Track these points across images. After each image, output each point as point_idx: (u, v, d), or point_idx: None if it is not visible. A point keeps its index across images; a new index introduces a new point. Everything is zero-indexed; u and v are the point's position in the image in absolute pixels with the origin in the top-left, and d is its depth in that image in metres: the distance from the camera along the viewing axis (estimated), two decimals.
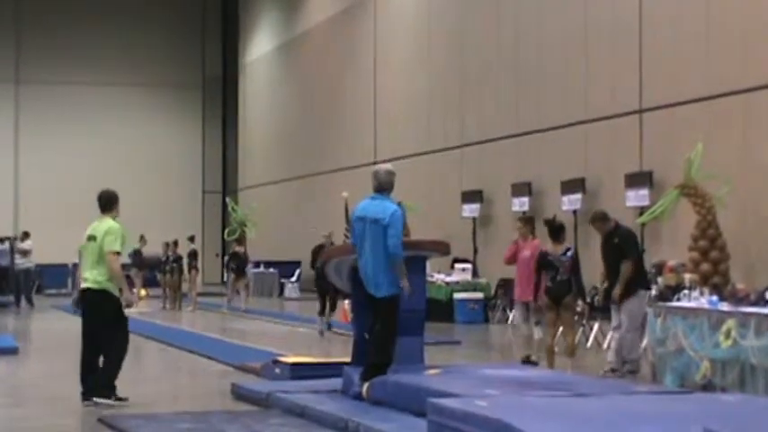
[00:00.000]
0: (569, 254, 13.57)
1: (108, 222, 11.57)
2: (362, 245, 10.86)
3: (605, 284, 14.17)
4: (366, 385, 10.65)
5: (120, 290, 11.50)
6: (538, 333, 14.34)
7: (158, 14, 46.70)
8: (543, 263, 13.57)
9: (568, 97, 24.11)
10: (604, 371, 13.73)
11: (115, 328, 11.50)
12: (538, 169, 25.13)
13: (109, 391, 11.38)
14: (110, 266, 11.40)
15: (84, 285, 11.59)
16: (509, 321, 21.87)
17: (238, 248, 29.42)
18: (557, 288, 13.45)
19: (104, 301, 11.45)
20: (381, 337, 10.82)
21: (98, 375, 11.44)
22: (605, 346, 17.43)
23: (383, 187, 10.96)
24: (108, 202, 11.72)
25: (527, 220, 15.38)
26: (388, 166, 11.33)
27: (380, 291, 10.76)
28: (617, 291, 13.66)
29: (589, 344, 17.46)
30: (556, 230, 13.76)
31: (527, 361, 14.35)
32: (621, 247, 13.87)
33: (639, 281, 13.93)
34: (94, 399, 11.32)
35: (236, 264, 28.45)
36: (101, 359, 11.55)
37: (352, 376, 11.00)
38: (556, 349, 14.07)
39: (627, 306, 13.75)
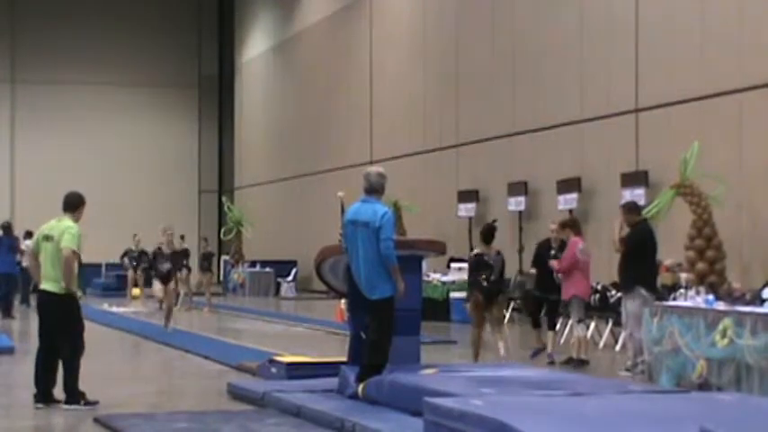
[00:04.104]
0: (501, 256, 14.48)
1: (65, 222, 11.43)
2: (355, 248, 10.85)
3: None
4: (362, 385, 10.66)
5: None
6: (582, 331, 15.01)
7: (154, 14, 46.66)
8: (480, 263, 14.28)
9: (564, 96, 24.11)
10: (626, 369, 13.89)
11: (74, 330, 11.36)
12: (534, 169, 25.14)
13: (77, 396, 11.29)
14: (65, 263, 11.19)
15: (42, 287, 11.44)
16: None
17: (210, 249, 30.44)
18: (491, 287, 14.21)
19: (64, 303, 11.32)
20: (376, 338, 10.82)
21: (64, 382, 11.33)
22: (601, 343, 17.48)
23: (374, 189, 10.93)
24: (74, 203, 11.59)
25: (562, 226, 15.81)
26: (378, 168, 11.32)
27: (374, 293, 10.76)
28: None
29: (602, 343, 17.48)
30: (488, 234, 14.58)
31: (576, 361, 14.76)
32: (632, 244, 13.97)
33: (641, 280, 13.92)
34: (63, 406, 11.24)
35: (208, 263, 29.33)
36: (59, 362, 11.41)
37: (349, 376, 11.00)
38: (501, 345, 14.40)
39: (627, 306, 13.81)
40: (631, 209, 14.54)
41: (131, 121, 46.06)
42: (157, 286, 23.42)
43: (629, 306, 13.78)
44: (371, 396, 10.48)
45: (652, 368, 12.35)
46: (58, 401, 11.38)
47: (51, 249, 11.34)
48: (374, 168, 11.23)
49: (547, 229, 18.02)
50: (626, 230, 14.33)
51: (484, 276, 14.21)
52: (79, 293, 11.64)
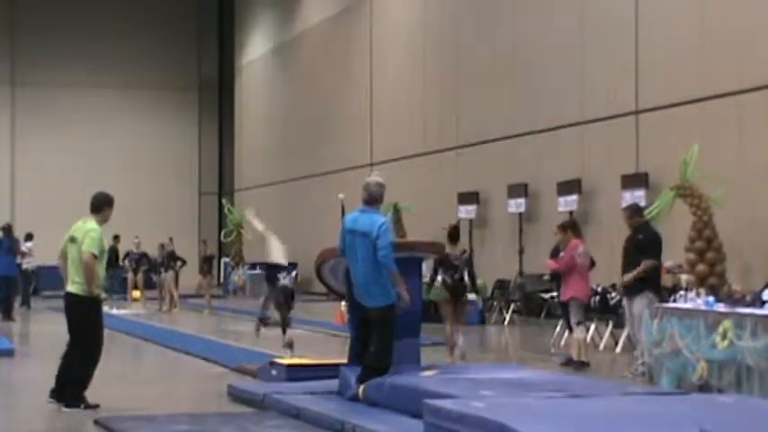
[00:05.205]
0: (465, 255, 15.51)
1: (89, 224, 11.45)
2: (354, 257, 10.93)
3: (623, 280, 14.45)
4: (362, 386, 10.66)
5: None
6: (581, 333, 15.03)
7: (154, 16, 46.68)
8: (445, 263, 14.99)
9: (564, 98, 24.12)
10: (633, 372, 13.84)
11: (91, 334, 11.43)
12: (534, 170, 25.14)
13: (77, 400, 11.32)
14: (85, 266, 11.24)
15: (67, 289, 11.52)
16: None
17: (210, 251, 31.15)
18: (456, 285, 15.05)
19: (84, 306, 11.38)
20: (379, 346, 10.84)
21: (69, 383, 11.40)
22: (601, 345, 17.47)
23: (374, 199, 11.02)
24: (96, 204, 11.60)
25: (563, 228, 15.80)
26: (377, 178, 11.40)
27: (375, 301, 10.82)
28: (627, 278, 13.79)
29: (602, 345, 17.48)
30: (454, 235, 15.40)
31: (576, 363, 14.80)
32: (644, 245, 13.93)
33: (651, 283, 13.93)
34: (64, 409, 11.27)
35: (209, 266, 29.53)
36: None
37: (349, 378, 10.99)
38: (459, 341, 15.28)
39: (635, 308, 13.78)
40: (635, 211, 14.57)
41: (131, 123, 46.07)
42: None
43: (637, 308, 13.73)
44: (372, 398, 10.48)
45: (652, 370, 12.35)
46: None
47: (75, 252, 11.38)
48: (373, 179, 11.32)
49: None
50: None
51: (450, 275, 15.01)
52: (104, 295, 11.67)
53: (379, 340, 10.83)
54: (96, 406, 11.29)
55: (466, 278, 15.24)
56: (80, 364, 11.39)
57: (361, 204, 11.08)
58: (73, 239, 11.46)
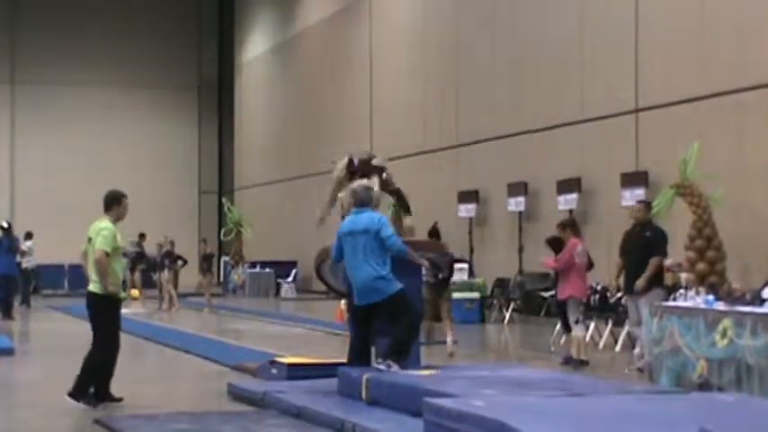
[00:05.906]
0: (448, 256, 16.19)
1: (102, 223, 11.58)
2: (355, 257, 10.99)
3: (620, 277, 14.39)
4: (365, 387, 10.65)
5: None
6: (581, 331, 15.07)
7: (154, 15, 46.69)
8: (430, 263, 15.30)
9: (564, 97, 24.11)
10: (633, 368, 13.83)
11: (106, 331, 11.50)
12: (534, 169, 25.14)
13: (79, 395, 11.37)
14: (97, 264, 11.33)
15: (88, 288, 11.62)
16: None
17: (210, 250, 31.16)
18: (439, 283, 16.09)
19: (100, 304, 11.46)
20: (407, 329, 10.97)
21: (78, 376, 11.47)
22: (601, 343, 17.48)
23: (364, 202, 11.26)
24: (107, 202, 11.77)
25: (562, 226, 15.71)
26: (364, 182, 11.64)
27: (383, 294, 10.91)
28: (641, 282, 13.77)
29: (602, 343, 17.48)
30: (435, 234, 16.13)
31: (575, 361, 14.80)
32: (651, 242, 13.97)
33: (658, 280, 14.03)
34: (66, 397, 11.33)
35: (208, 265, 29.53)
36: (114, 360, 11.63)
37: (350, 375, 11.00)
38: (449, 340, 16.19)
39: (642, 305, 13.79)
40: (648, 206, 14.70)
41: (131, 122, 46.07)
42: None
43: (645, 306, 13.73)
44: (372, 397, 10.48)
45: (652, 368, 12.35)
46: (117, 399, 11.50)
47: (91, 251, 11.50)
48: (360, 183, 11.55)
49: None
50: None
51: (433, 274, 15.72)
52: (123, 294, 11.74)
53: (402, 320, 10.92)
54: (95, 405, 11.30)
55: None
56: (92, 361, 11.44)
57: (354, 209, 11.29)
58: (90, 239, 11.61)
